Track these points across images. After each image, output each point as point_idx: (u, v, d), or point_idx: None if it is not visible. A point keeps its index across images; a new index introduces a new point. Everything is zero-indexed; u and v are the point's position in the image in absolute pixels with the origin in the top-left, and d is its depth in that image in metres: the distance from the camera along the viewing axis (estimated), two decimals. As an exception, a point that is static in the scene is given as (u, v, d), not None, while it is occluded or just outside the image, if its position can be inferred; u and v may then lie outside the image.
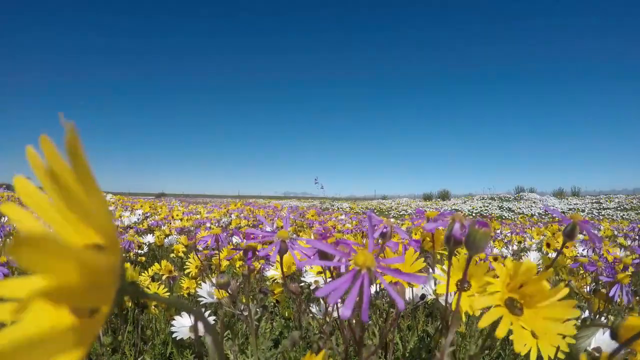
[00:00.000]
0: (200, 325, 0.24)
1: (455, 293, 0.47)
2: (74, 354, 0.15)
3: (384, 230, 0.50)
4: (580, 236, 0.51)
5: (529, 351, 0.33)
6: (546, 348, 0.47)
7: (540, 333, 0.33)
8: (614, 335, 0.34)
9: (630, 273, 0.86)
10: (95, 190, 0.17)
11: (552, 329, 0.33)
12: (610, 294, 0.83)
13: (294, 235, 0.53)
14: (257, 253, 0.63)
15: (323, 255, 0.39)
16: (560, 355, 0.45)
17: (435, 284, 0.75)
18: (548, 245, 1.80)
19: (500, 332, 0.30)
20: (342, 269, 0.39)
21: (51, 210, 0.20)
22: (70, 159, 0.16)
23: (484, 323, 0.32)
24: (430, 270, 0.73)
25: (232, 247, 1.14)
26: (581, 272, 1.20)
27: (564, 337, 0.45)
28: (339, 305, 0.59)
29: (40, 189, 0.20)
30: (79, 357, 0.15)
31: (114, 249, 0.17)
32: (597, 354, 0.36)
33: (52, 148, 0.17)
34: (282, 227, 0.52)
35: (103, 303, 0.16)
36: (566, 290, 0.35)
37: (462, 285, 0.37)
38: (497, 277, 0.38)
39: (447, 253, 0.51)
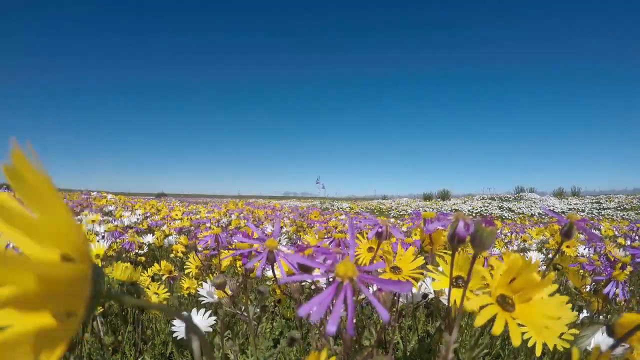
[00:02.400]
0: (203, 325, 0.24)
1: (454, 290, 0.48)
2: (54, 351, 0.18)
3: (379, 230, 0.50)
4: (581, 236, 0.52)
5: (528, 348, 0.33)
6: (550, 342, 0.48)
7: (538, 328, 0.34)
8: (610, 333, 0.34)
9: (627, 273, 0.86)
10: (58, 203, 0.18)
11: (552, 326, 0.34)
12: (605, 291, 0.83)
13: (294, 236, 0.52)
14: (244, 265, 0.63)
15: (303, 269, 0.38)
16: (564, 344, 0.46)
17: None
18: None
19: (496, 329, 0.31)
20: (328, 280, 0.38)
21: (25, 223, 0.20)
22: (23, 178, 0.17)
23: (479, 322, 0.32)
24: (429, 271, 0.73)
25: (231, 248, 1.14)
26: (581, 271, 1.20)
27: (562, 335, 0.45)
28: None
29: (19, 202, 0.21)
30: (59, 353, 0.18)
31: (82, 258, 0.19)
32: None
33: (23, 160, 0.17)
34: (272, 234, 0.51)
35: (76, 308, 0.18)
36: (552, 275, 0.36)
37: (467, 283, 0.37)
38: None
39: (445, 253, 0.51)
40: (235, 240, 1.64)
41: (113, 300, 0.23)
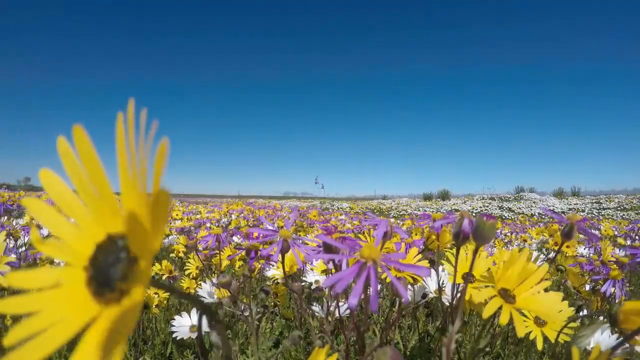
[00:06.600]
0: (204, 322, 0.24)
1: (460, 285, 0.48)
2: (116, 349, 0.13)
3: (385, 229, 0.50)
4: (581, 236, 0.52)
5: (529, 347, 0.34)
6: (550, 334, 0.48)
7: (535, 313, 0.35)
8: (612, 321, 0.34)
9: (624, 273, 0.86)
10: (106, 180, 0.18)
11: (553, 316, 0.35)
12: (603, 290, 0.83)
13: (295, 235, 0.53)
14: (259, 253, 0.64)
15: (328, 249, 0.39)
16: (565, 337, 0.46)
17: (437, 283, 0.75)
18: (557, 244, 1.82)
19: (503, 320, 0.33)
20: (344, 266, 0.39)
21: (74, 201, 0.20)
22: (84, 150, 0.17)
23: (487, 313, 0.34)
24: (433, 269, 0.73)
25: (234, 246, 1.14)
26: (580, 271, 1.20)
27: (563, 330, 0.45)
28: (340, 304, 0.59)
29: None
30: (121, 352, 0.13)
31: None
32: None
33: (84, 137, 0.18)
34: (283, 227, 0.52)
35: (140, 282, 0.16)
36: (546, 267, 0.37)
37: (468, 277, 0.38)
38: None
39: (451, 251, 0.51)
40: (234, 240, 1.64)
41: (156, 285, 0.21)
